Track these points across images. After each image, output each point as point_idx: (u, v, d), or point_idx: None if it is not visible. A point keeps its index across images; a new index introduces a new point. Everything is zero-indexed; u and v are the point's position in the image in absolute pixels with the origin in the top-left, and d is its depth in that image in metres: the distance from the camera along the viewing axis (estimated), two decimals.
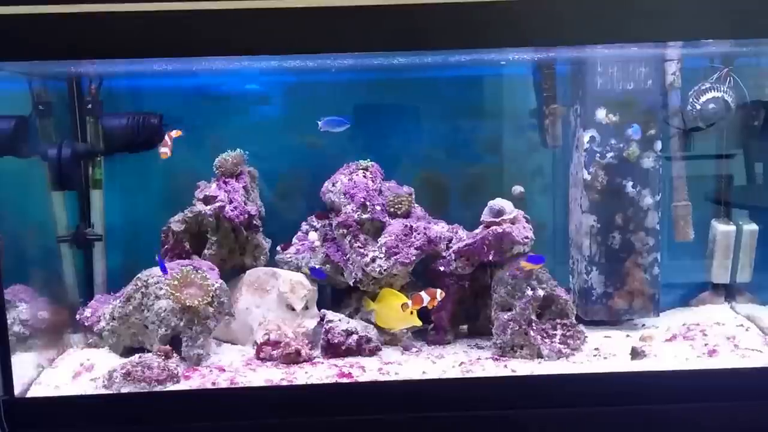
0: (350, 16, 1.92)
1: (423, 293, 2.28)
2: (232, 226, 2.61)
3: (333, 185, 2.63)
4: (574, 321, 2.45)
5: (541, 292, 2.40)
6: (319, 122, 2.59)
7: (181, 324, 2.34)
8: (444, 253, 2.55)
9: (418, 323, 2.32)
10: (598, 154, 2.58)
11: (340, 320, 2.45)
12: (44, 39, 1.92)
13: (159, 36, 1.93)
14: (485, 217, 2.50)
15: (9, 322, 2.26)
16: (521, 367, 2.28)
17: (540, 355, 2.35)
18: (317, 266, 2.62)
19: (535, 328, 2.39)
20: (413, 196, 2.66)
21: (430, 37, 1.97)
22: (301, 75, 2.78)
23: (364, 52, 2.19)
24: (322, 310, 2.52)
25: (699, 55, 2.61)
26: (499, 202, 2.49)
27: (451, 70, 2.80)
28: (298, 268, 2.68)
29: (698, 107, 2.56)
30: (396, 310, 2.27)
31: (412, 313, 2.26)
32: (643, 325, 2.68)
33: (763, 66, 2.69)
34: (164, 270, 2.35)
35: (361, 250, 2.52)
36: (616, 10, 1.93)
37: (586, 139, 2.59)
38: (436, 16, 1.91)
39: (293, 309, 2.57)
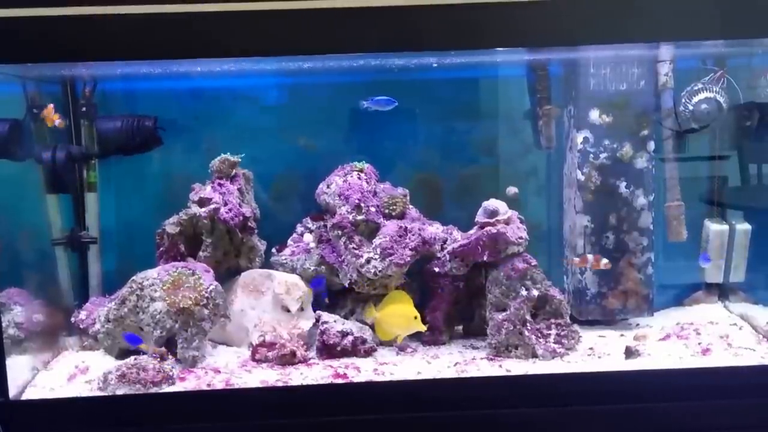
0: (347, 16, 1.92)
1: (589, 256, 2.43)
2: (227, 228, 2.61)
3: (328, 187, 2.63)
4: (569, 321, 2.46)
5: (535, 292, 2.41)
6: (364, 102, 2.59)
7: (176, 326, 2.34)
8: (439, 254, 2.56)
9: (422, 328, 2.30)
10: (591, 155, 2.59)
11: (335, 321, 2.45)
12: (40, 41, 1.92)
13: (156, 38, 1.93)
14: (479, 217, 2.50)
15: (4, 324, 2.26)
16: (516, 366, 2.29)
17: (535, 355, 2.35)
18: (312, 267, 2.62)
19: (529, 328, 2.39)
20: (408, 198, 2.66)
21: (427, 38, 1.97)
22: (296, 77, 2.79)
23: (361, 53, 2.20)
24: (317, 312, 2.53)
25: (691, 55, 2.62)
26: (493, 203, 2.49)
27: (446, 72, 2.80)
28: (293, 270, 2.68)
29: (691, 108, 2.57)
30: (401, 316, 2.27)
31: (416, 317, 2.26)
32: (637, 324, 2.68)
33: (755, 66, 2.70)
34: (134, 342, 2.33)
35: (356, 252, 2.53)
36: (611, 10, 1.95)
37: (580, 139, 2.60)
38: (432, 16, 1.92)
39: (288, 310, 2.57)
